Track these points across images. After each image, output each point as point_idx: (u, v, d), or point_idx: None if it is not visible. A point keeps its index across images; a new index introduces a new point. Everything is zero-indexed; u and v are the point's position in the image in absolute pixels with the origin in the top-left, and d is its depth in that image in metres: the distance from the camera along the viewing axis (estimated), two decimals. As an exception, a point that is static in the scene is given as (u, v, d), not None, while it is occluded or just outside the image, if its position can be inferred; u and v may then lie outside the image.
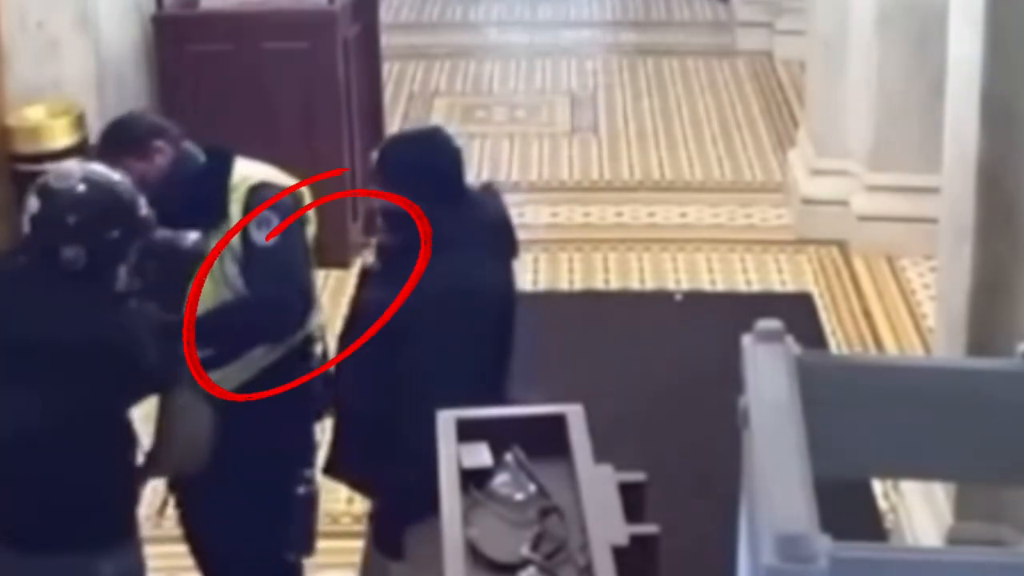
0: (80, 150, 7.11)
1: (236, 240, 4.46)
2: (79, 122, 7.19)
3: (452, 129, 4.64)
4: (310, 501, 4.63)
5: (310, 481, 4.62)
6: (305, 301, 4.55)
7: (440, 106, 10.32)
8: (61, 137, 7.11)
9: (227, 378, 4.47)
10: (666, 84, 10.61)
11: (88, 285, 3.94)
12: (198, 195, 4.51)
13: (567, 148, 9.56)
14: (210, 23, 7.88)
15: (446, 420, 3.35)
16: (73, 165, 4.17)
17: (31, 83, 7.24)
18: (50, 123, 7.13)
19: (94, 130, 7.29)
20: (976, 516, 4.88)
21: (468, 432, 3.33)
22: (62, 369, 3.89)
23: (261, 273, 4.43)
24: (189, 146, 4.64)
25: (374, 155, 4.50)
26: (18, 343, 3.92)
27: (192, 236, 4.40)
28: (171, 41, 7.80)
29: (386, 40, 8.99)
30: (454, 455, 3.27)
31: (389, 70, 9.93)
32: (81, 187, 3.98)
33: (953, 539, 4.87)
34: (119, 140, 4.59)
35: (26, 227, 3.97)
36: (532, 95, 10.59)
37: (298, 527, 4.62)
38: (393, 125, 9.34)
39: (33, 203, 3.96)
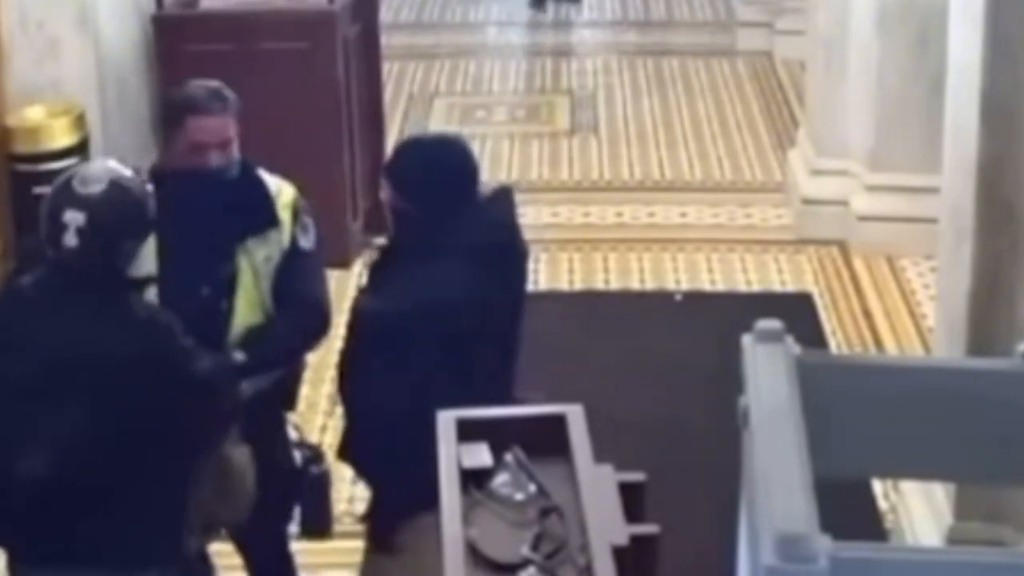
0: (80, 150, 7.12)
1: (284, 243, 4.55)
2: (79, 122, 7.18)
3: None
4: (322, 480, 4.74)
5: (321, 460, 4.74)
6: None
7: (440, 106, 10.32)
8: (61, 137, 7.10)
9: (250, 385, 4.51)
10: (666, 84, 10.61)
11: (120, 291, 3.95)
12: (247, 199, 4.56)
13: (567, 148, 9.56)
14: (210, 23, 7.88)
15: (446, 420, 3.35)
16: (96, 167, 4.07)
17: (31, 83, 7.23)
18: (50, 123, 7.12)
19: (94, 130, 7.29)
20: (976, 516, 4.88)
21: (468, 432, 3.33)
22: (110, 382, 3.86)
23: (304, 275, 4.58)
24: None
25: (389, 154, 4.60)
26: (64, 361, 3.86)
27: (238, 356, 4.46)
28: (171, 41, 7.80)
29: (386, 40, 8.98)
30: (454, 455, 3.26)
31: (389, 70, 9.92)
32: (114, 190, 3.92)
33: (953, 539, 4.87)
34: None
35: (71, 241, 3.84)
36: (532, 95, 10.59)
37: (311, 505, 4.74)
38: (393, 125, 9.35)
39: (77, 216, 3.84)
